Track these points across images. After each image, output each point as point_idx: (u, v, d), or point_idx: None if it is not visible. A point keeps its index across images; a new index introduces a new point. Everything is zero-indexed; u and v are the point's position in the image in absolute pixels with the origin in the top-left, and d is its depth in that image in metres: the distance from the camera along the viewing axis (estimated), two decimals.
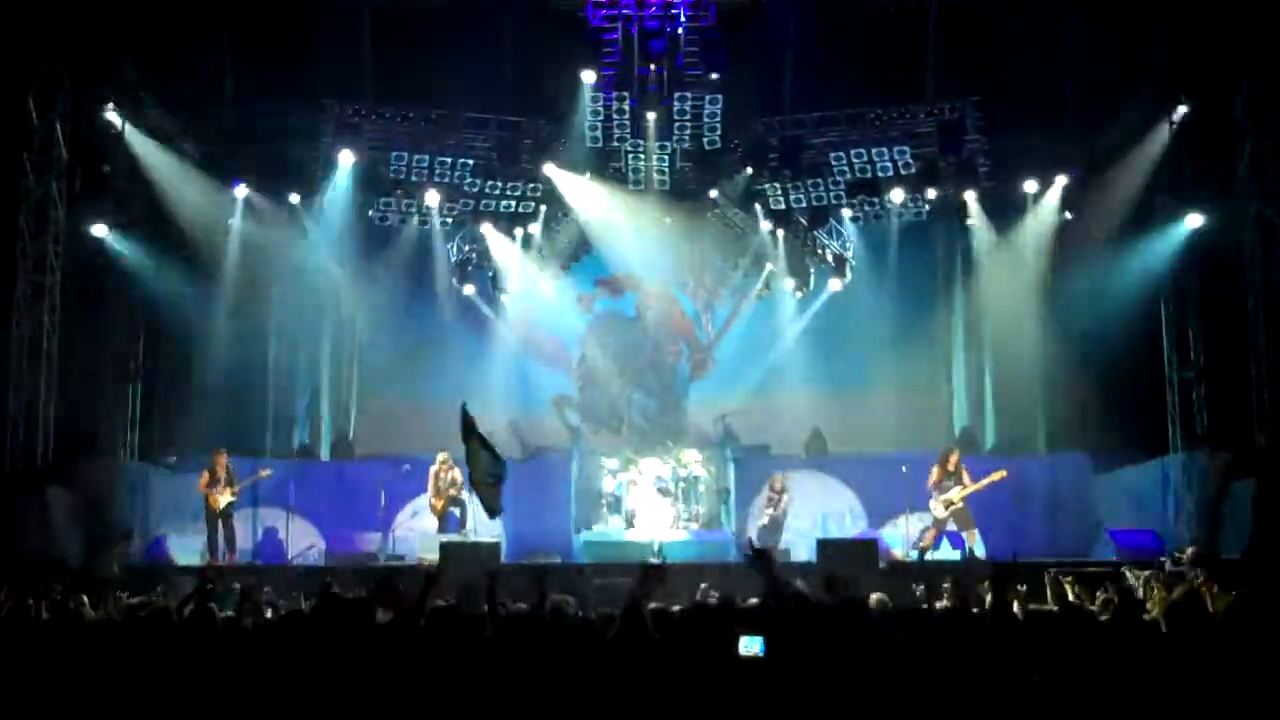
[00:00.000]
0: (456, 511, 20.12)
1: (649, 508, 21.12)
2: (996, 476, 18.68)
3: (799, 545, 19.78)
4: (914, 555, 18.68)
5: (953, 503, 18.59)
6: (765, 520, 20.49)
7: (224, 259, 21.90)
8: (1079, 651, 5.14)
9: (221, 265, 21.85)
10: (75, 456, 18.91)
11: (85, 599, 11.92)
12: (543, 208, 23.32)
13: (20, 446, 18.47)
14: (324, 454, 23.69)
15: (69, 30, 19.11)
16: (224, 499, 19.17)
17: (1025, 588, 9.73)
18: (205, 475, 19.26)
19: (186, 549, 19.23)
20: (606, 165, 22.91)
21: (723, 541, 20.46)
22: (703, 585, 12.47)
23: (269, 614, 10.84)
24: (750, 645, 4.63)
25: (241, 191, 21.97)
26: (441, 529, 19.85)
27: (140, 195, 20.46)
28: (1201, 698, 4.97)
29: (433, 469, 20.27)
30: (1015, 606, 8.78)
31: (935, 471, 18.88)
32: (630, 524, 21.11)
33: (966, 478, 18.73)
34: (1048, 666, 4.70)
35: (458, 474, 19.71)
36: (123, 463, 19.32)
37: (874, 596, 10.49)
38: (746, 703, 4.35)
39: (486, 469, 16.61)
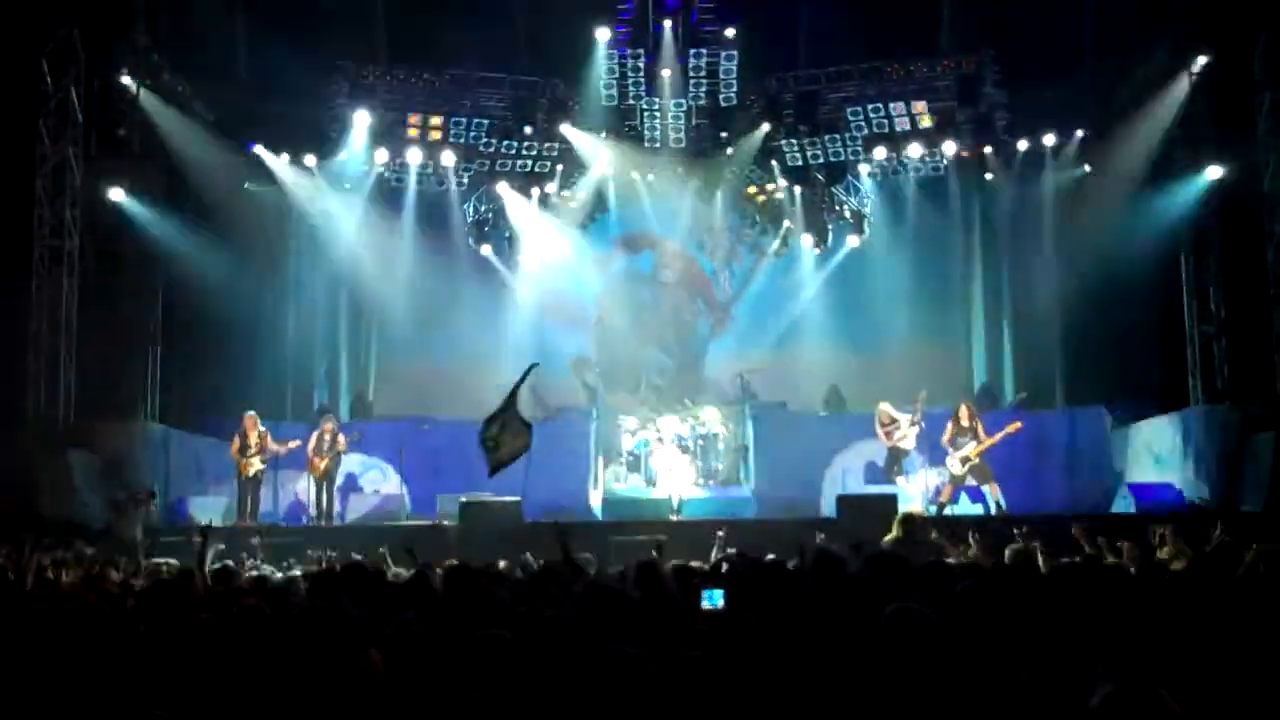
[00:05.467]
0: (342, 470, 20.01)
1: (668, 466, 21.12)
2: (1011, 429, 18.51)
3: (823, 500, 19.79)
4: (933, 510, 18.63)
5: (969, 458, 18.51)
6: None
7: (241, 222, 21.94)
8: (1107, 605, 5.13)
9: (238, 228, 21.87)
10: (96, 419, 18.97)
11: (119, 561, 11.99)
12: (559, 167, 23.32)
13: (41, 410, 18.55)
14: (343, 415, 23.70)
15: None
16: (254, 465, 19.05)
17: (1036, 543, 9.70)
18: (236, 441, 19.13)
19: (207, 511, 19.26)
20: (622, 123, 22.87)
21: (742, 498, 20.44)
22: (720, 534, 12.44)
23: (293, 573, 10.89)
24: (712, 599, 4.62)
25: (257, 154, 21.95)
26: (323, 489, 19.46)
27: (156, 159, 20.46)
28: (1227, 649, 4.95)
29: (316, 431, 19.71)
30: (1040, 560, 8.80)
31: (950, 427, 18.77)
32: (650, 482, 21.13)
33: (982, 432, 18.64)
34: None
35: (341, 437, 19.48)
36: (143, 425, 19.35)
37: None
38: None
39: (501, 435, 16.32)
